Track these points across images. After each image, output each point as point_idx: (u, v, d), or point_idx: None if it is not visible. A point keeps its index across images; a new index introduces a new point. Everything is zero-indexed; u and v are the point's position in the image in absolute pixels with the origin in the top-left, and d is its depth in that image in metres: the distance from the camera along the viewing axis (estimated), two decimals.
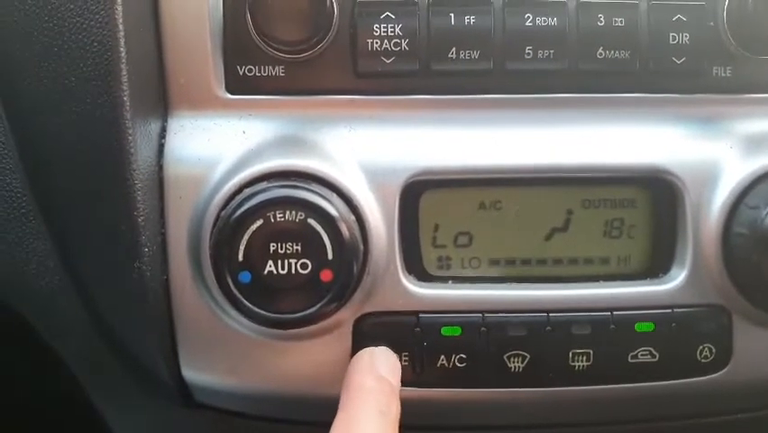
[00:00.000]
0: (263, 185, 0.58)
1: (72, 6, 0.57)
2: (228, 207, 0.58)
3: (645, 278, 0.63)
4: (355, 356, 0.60)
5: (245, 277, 0.57)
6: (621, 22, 0.62)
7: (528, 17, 0.62)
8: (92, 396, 0.76)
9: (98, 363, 0.68)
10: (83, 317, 0.66)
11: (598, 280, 0.63)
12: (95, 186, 0.60)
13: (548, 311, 0.62)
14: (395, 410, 0.56)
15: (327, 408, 0.56)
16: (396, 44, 0.61)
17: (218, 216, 0.58)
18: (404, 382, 0.60)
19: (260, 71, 0.62)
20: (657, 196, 0.64)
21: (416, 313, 0.61)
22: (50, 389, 0.93)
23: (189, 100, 0.62)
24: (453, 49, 0.62)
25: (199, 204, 0.60)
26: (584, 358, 0.62)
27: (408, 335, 0.61)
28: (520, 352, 0.62)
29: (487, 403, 0.64)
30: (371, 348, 0.61)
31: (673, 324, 0.62)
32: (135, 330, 0.64)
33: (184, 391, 0.66)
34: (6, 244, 0.64)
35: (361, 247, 0.59)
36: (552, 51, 0.62)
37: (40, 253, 0.64)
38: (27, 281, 0.65)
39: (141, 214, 0.58)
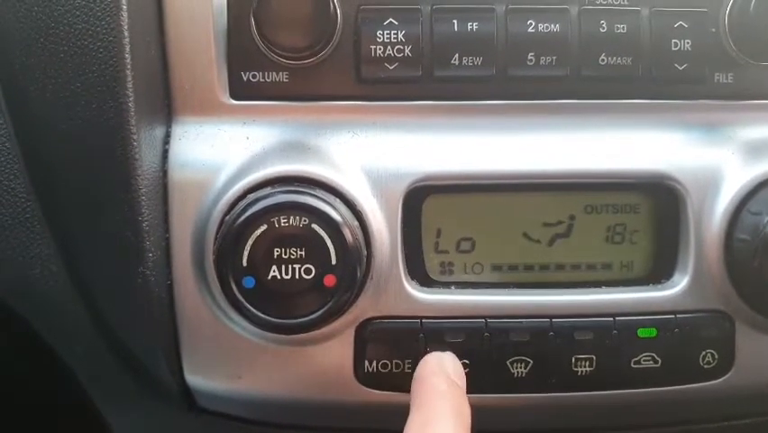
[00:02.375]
0: (267, 190, 0.58)
1: (78, 13, 0.58)
2: (232, 212, 0.58)
3: (648, 283, 0.63)
4: (423, 359, 0.60)
5: (249, 282, 0.57)
6: (623, 28, 0.62)
7: (530, 23, 0.62)
8: (94, 398, 0.75)
9: (101, 366, 0.68)
10: (86, 320, 0.66)
11: (600, 286, 0.63)
12: (99, 191, 0.60)
13: (551, 317, 0.62)
14: (467, 413, 0.55)
15: (330, 412, 0.56)
16: (399, 50, 0.61)
17: (222, 222, 0.58)
18: (407, 388, 0.60)
19: (263, 77, 0.62)
20: (659, 201, 0.64)
21: (419, 318, 0.61)
22: (52, 390, 0.93)
23: (193, 106, 0.62)
24: (456, 55, 0.62)
25: (203, 209, 0.60)
26: (587, 364, 0.62)
27: (412, 340, 0.61)
28: (523, 357, 0.62)
29: (490, 409, 0.63)
30: (438, 353, 0.61)
31: (676, 329, 0.62)
32: (139, 335, 0.64)
33: (187, 395, 0.66)
34: (11, 248, 0.64)
35: (365, 252, 0.59)
36: (554, 58, 0.62)
37: (44, 257, 0.64)
38: (31, 285, 0.65)
39: (146, 219, 0.59)
